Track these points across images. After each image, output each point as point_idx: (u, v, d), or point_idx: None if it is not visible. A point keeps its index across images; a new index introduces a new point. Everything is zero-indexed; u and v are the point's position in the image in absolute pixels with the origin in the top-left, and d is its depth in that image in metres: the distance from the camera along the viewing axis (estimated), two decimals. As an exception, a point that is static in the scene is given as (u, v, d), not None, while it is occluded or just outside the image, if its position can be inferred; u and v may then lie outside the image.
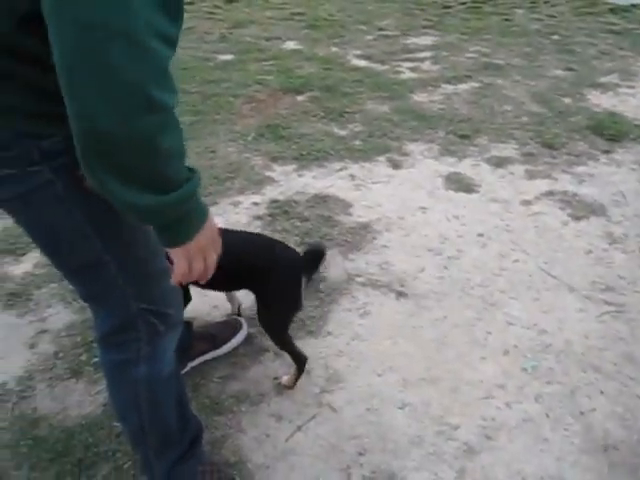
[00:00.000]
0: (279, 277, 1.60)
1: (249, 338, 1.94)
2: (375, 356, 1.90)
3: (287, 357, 1.79)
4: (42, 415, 1.71)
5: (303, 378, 1.78)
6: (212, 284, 1.24)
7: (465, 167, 3.06)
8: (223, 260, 1.06)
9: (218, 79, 4.22)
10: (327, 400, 1.75)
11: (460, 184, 2.88)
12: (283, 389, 1.77)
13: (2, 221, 2.58)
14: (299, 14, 6.00)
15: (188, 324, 1.73)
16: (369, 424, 1.68)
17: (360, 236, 2.48)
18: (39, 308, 2.09)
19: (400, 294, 2.16)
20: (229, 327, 1.89)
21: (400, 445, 1.62)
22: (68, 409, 1.73)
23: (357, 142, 3.30)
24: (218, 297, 2.03)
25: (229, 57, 4.75)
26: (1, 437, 1.64)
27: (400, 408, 1.73)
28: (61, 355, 1.89)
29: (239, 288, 1.84)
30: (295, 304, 1.65)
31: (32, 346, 1.94)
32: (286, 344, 1.72)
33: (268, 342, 1.91)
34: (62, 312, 2.08)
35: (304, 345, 1.91)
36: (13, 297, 2.14)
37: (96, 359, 1.83)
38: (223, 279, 1.24)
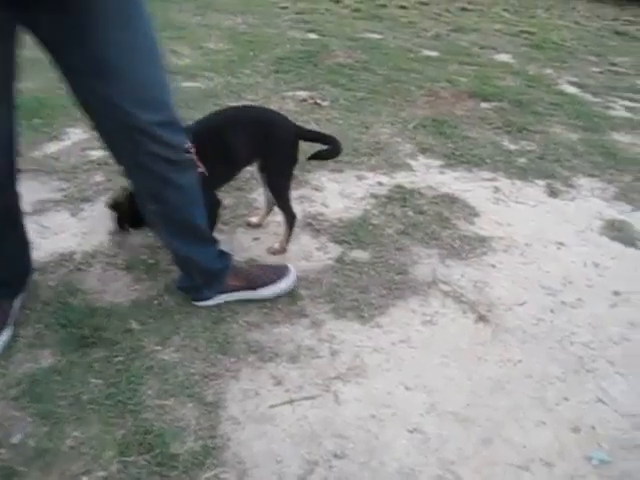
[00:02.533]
0: (280, 141, 1.87)
1: (293, 297, 1.80)
2: (414, 368, 1.63)
3: (322, 330, 1.64)
4: (82, 288, 1.78)
5: (325, 358, 1.60)
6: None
7: (638, 219, 2.52)
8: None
9: (410, 69, 4.11)
10: (336, 388, 1.53)
11: (621, 233, 2.38)
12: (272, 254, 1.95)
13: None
14: (528, 33, 5.59)
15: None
16: (364, 431, 1.43)
17: (470, 247, 2.17)
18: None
19: (481, 318, 1.83)
20: (274, 272, 1.78)
21: (386, 469, 1.35)
22: (105, 293, 1.78)
23: (522, 159, 2.93)
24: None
25: (433, 54, 4.60)
26: (43, 292, 1.74)
27: (409, 431, 1.44)
28: (126, 247, 1.97)
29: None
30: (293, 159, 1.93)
31: (111, 233, 2.03)
32: (286, 200, 1.96)
33: (311, 309, 1.77)
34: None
35: (345, 327, 1.73)
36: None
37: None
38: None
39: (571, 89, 4.14)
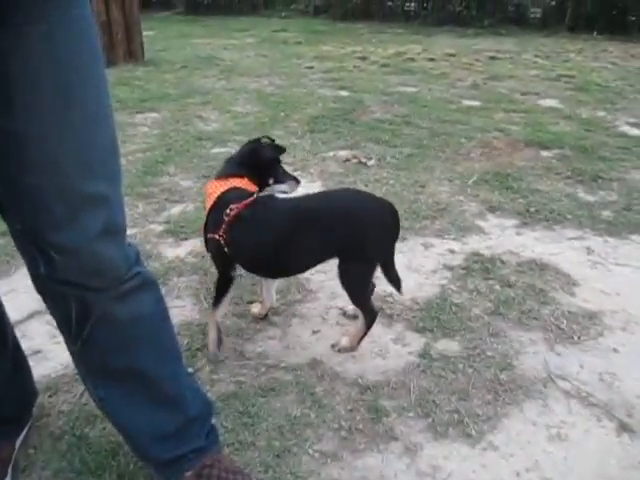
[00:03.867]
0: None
1: (375, 411, 1.38)
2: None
3: (420, 458, 1.20)
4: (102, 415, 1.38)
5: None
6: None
7: None
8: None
9: (455, 120, 3.79)
10: None
11: None
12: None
13: (181, 205, 2.47)
14: (567, 77, 5.29)
15: None
16: None
17: (580, 326, 1.74)
18: (169, 296, 1.81)
19: (623, 427, 1.38)
20: None
21: None
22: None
23: (607, 212, 2.52)
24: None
25: (475, 103, 4.29)
26: (51, 423, 1.34)
27: None
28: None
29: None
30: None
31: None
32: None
33: (401, 428, 1.34)
34: (188, 307, 1.79)
35: (450, 453, 1.29)
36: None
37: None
38: None
39: (633, 131, 3.76)
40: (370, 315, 1.54)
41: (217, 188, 1.51)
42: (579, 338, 1.69)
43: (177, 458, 1.11)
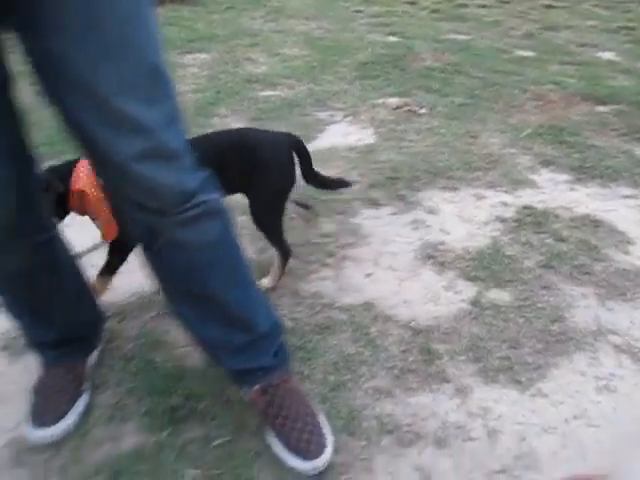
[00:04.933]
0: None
1: (427, 352, 1.43)
2: (602, 455, 1.21)
3: (470, 400, 1.24)
4: (168, 340, 1.48)
5: (481, 441, 1.22)
6: None
7: None
8: None
9: (508, 71, 3.66)
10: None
11: None
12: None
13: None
14: (628, 28, 5.02)
15: None
16: None
17: (633, 283, 1.73)
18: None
19: (674, 383, 1.40)
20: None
21: None
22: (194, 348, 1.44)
23: (665, 172, 2.45)
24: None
25: (528, 53, 4.13)
26: (121, 346, 1.43)
27: None
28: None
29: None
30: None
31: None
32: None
33: (453, 370, 1.39)
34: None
35: (500, 397, 1.33)
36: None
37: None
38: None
39: (699, 87, 3.59)
40: (285, 252, 1.62)
41: None
42: (632, 295, 1.69)
43: (247, 371, 1.19)
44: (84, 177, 1.33)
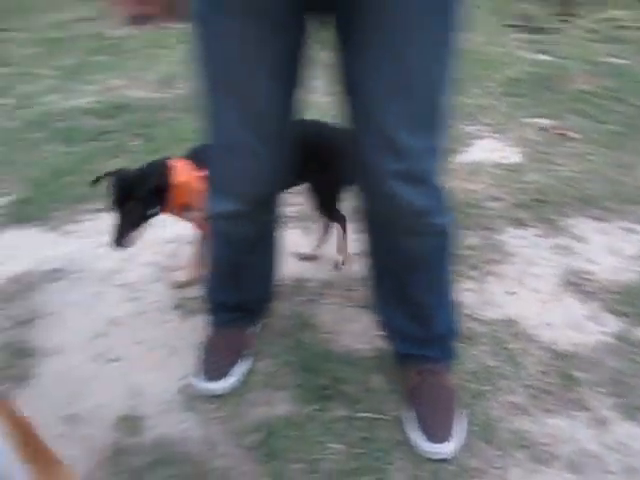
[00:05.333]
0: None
1: (566, 378, 1.44)
2: None
3: (608, 433, 1.25)
4: (317, 324, 1.61)
5: (617, 475, 1.22)
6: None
7: None
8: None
9: (670, 102, 3.46)
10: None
11: None
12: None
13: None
14: None
15: None
16: None
17: None
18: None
19: None
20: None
21: None
22: (341, 334, 1.57)
23: None
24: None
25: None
26: (278, 322, 1.60)
27: None
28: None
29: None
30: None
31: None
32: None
33: (592, 400, 1.39)
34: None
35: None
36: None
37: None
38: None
39: None
40: (341, 218, 1.73)
41: None
42: None
43: (413, 357, 1.34)
44: (186, 172, 1.48)
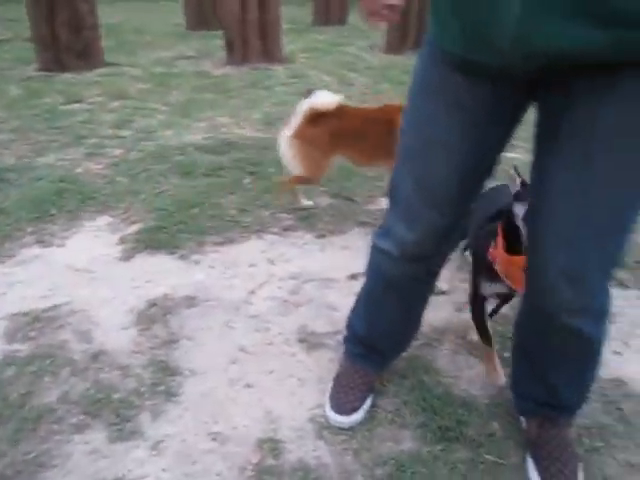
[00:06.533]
0: None
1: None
2: None
3: None
4: (436, 368, 1.71)
5: None
6: None
7: None
8: None
9: None
10: None
11: None
12: None
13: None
14: None
15: None
16: None
17: None
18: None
19: None
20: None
21: None
22: (459, 379, 1.67)
23: None
24: None
25: None
26: (397, 362, 1.69)
27: None
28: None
29: None
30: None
31: (459, 310, 1.97)
32: None
33: None
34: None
35: None
36: (465, 264, 2.21)
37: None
38: None
39: None
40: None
41: None
42: None
43: (536, 412, 1.42)
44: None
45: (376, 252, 1.44)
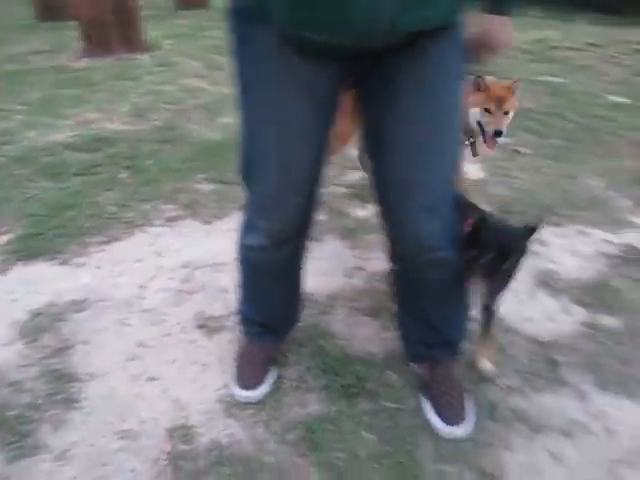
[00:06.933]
0: None
1: (549, 362, 1.70)
2: None
3: (589, 404, 1.52)
4: (332, 333, 1.80)
5: (601, 438, 1.48)
6: None
7: None
8: None
9: (603, 116, 3.89)
10: (623, 474, 1.39)
11: None
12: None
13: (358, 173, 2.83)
14: None
15: None
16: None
17: None
18: (365, 248, 2.20)
19: None
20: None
21: None
22: (354, 339, 1.77)
23: None
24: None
25: (622, 100, 4.33)
26: (295, 332, 1.76)
27: None
28: (369, 293, 1.96)
29: None
30: None
31: (348, 276, 2.07)
32: None
33: (572, 379, 1.65)
34: (382, 260, 2.15)
35: (615, 404, 1.59)
36: (348, 231, 2.32)
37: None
38: None
39: None
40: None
41: None
42: None
43: (425, 355, 1.57)
44: None
45: (245, 250, 1.49)
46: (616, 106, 4.16)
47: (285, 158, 1.23)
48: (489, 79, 2.09)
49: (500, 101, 2.06)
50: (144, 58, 5.51)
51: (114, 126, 3.61)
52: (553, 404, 1.57)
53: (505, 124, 2.11)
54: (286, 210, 1.32)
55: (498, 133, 2.08)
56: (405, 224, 1.28)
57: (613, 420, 1.53)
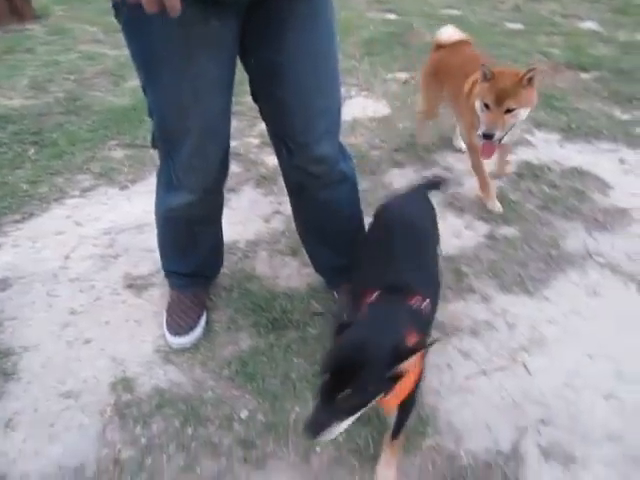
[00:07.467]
0: None
1: (457, 274, 1.87)
2: (591, 337, 1.67)
3: (493, 305, 1.70)
4: (256, 275, 1.89)
5: (504, 331, 1.66)
6: None
7: None
8: None
9: (500, 43, 4.06)
10: (523, 359, 1.59)
11: None
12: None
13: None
14: (609, -3, 5.42)
15: None
16: (562, 399, 1.49)
17: (613, 219, 2.18)
18: (280, 193, 2.29)
19: (643, 288, 1.85)
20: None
21: (592, 434, 1.40)
22: (278, 278, 1.88)
23: (639, 129, 2.88)
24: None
25: (518, 26, 4.53)
26: (222, 280, 1.85)
27: (605, 398, 1.49)
28: (287, 234, 2.06)
29: None
30: None
31: (266, 220, 2.16)
32: None
33: (478, 285, 1.83)
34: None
35: (515, 301, 1.78)
36: (263, 179, 2.39)
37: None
38: None
39: (671, 53, 4.01)
40: None
41: None
42: (611, 227, 2.13)
43: (337, 280, 1.70)
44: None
45: (169, 211, 1.54)
46: (512, 33, 4.35)
47: (205, 109, 1.28)
48: (497, 67, 1.80)
49: (501, 95, 1.76)
50: (36, 28, 5.20)
51: (14, 102, 3.45)
52: (462, 310, 1.75)
53: (503, 124, 1.82)
54: (210, 163, 1.39)
55: (486, 136, 1.81)
56: (312, 146, 1.38)
57: (513, 315, 1.73)
